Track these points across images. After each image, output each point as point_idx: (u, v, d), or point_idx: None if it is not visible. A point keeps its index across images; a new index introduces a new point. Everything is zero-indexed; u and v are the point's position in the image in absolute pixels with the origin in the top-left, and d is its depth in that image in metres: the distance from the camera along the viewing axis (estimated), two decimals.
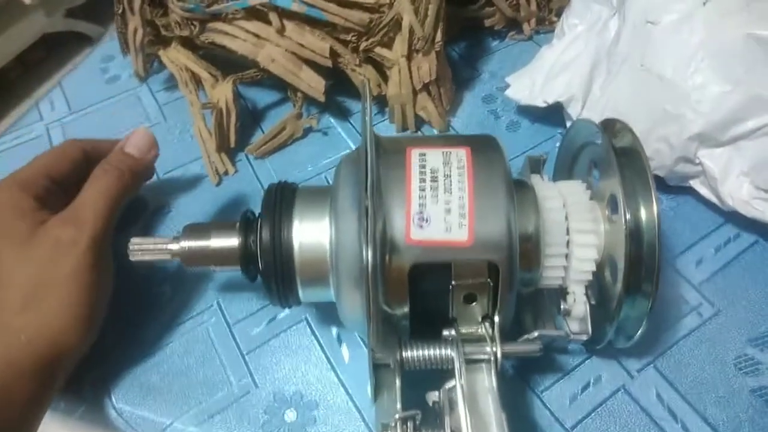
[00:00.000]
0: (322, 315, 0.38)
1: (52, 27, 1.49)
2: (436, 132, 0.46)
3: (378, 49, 0.44)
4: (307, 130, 0.48)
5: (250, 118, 0.50)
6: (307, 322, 0.37)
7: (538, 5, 0.53)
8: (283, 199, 0.31)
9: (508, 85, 0.49)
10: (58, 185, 0.34)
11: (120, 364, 0.36)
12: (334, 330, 0.37)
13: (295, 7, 0.42)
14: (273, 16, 0.43)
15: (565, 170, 0.35)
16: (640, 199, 0.28)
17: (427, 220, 0.27)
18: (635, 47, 0.39)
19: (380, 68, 0.46)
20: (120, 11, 0.47)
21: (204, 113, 0.46)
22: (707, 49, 0.36)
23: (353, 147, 0.47)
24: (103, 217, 0.32)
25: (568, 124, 0.44)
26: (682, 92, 0.36)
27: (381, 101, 0.48)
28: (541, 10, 0.53)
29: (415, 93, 0.45)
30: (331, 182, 0.32)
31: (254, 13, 0.44)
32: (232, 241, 0.31)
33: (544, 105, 0.44)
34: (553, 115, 0.46)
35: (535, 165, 0.34)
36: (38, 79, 1.50)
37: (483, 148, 0.30)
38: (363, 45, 0.44)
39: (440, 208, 0.27)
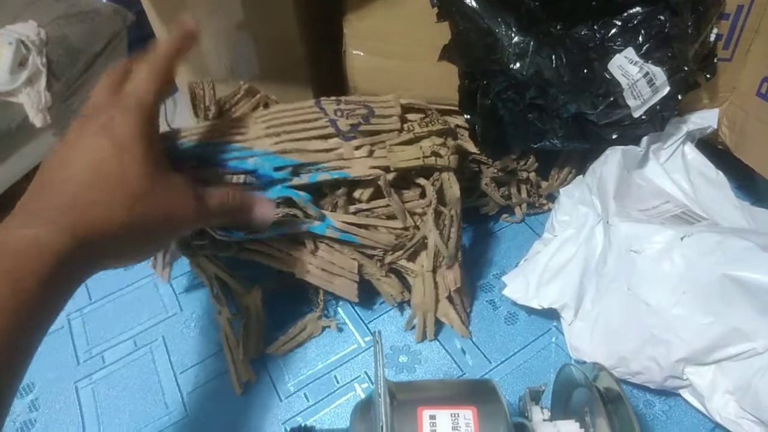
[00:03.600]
0: None
1: None
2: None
3: (402, 262, 0.47)
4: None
5: (269, 319, 0.50)
6: None
7: (528, 193, 0.57)
8: None
9: (504, 272, 0.53)
10: None
11: None
12: None
13: (329, 232, 0.45)
14: (308, 241, 0.46)
15: (561, 404, 0.38)
16: None
17: None
18: (621, 271, 0.42)
19: (403, 276, 0.49)
20: None
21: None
22: (687, 283, 0.39)
23: (363, 342, 0.50)
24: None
25: (563, 321, 0.47)
26: (666, 320, 0.40)
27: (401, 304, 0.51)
28: (530, 196, 0.57)
29: (437, 300, 0.48)
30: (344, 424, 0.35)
31: (290, 235, 0.46)
32: None
33: (539, 308, 0.47)
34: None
35: (536, 395, 0.37)
36: None
37: (486, 405, 0.33)
38: (388, 258, 0.47)
39: None
